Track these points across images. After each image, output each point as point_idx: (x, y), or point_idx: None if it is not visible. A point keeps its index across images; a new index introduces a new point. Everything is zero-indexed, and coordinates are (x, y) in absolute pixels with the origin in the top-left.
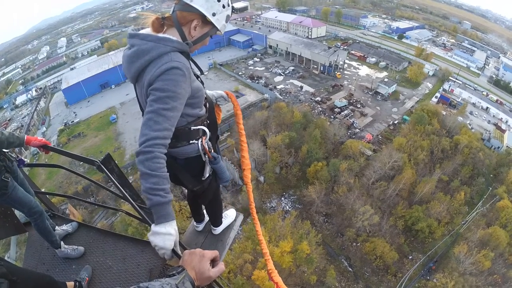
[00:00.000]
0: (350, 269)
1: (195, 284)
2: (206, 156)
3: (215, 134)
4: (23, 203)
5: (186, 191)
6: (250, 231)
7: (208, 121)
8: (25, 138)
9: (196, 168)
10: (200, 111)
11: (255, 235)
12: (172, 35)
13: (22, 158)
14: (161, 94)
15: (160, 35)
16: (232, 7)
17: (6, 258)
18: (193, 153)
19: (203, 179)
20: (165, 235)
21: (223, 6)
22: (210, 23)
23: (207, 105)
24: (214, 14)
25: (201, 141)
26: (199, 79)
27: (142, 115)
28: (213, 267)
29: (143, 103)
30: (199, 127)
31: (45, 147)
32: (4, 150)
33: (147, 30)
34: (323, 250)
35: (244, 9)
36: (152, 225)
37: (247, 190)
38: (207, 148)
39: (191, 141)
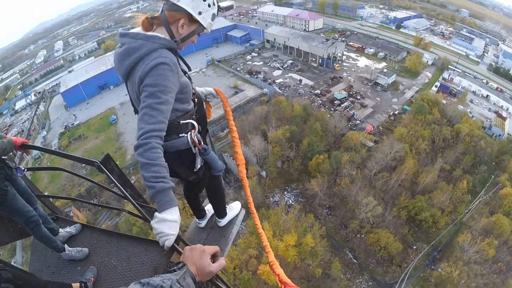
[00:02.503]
0: (355, 260)
1: (196, 279)
2: (196, 148)
3: (205, 127)
4: (21, 212)
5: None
6: (253, 226)
7: (197, 115)
8: (12, 140)
9: (188, 160)
10: (188, 106)
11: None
12: (161, 33)
13: (20, 166)
14: (153, 89)
15: (149, 33)
16: (218, 6)
17: (12, 263)
18: (183, 146)
19: (195, 170)
20: (171, 222)
21: (209, 5)
22: (196, 21)
23: (196, 100)
24: (200, 13)
25: (190, 134)
26: (186, 75)
27: (134, 111)
28: (214, 262)
29: (134, 100)
30: (187, 121)
31: (24, 146)
32: (3, 157)
33: (138, 29)
34: (327, 242)
35: (229, 7)
36: (156, 213)
37: (243, 185)
38: (197, 141)
39: (180, 135)
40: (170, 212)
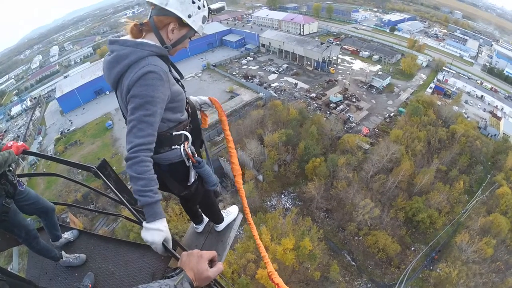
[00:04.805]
0: (353, 263)
1: (193, 284)
2: (190, 161)
3: (199, 139)
4: (21, 226)
5: None
6: (251, 231)
7: (191, 126)
8: (12, 150)
9: (181, 173)
10: (182, 116)
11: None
12: (151, 39)
13: (20, 181)
14: (141, 100)
15: (139, 40)
16: (209, 8)
17: (9, 269)
18: (176, 159)
19: (188, 184)
20: (154, 230)
21: (198, 8)
22: (187, 25)
23: (189, 110)
24: (189, 16)
25: (184, 146)
26: (179, 83)
27: (125, 121)
28: (211, 267)
29: (124, 109)
30: (180, 132)
31: (25, 153)
32: (7, 172)
33: (127, 37)
34: (325, 245)
35: (221, 9)
36: (144, 223)
37: (240, 196)
38: (190, 153)
39: (173, 147)
40: (154, 223)
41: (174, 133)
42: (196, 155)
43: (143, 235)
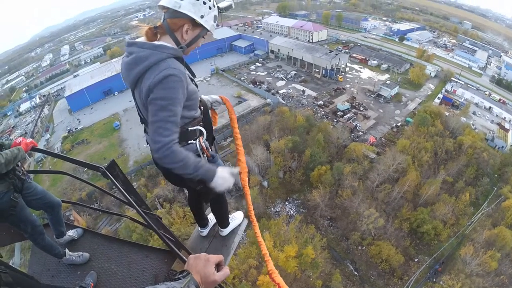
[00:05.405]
0: (356, 273)
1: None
2: (205, 155)
3: (211, 134)
4: (28, 221)
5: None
6: (254, 236)
7: (204, 123)
8: (21, 147)
9: None
10: (195, 113)
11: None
12: (167, 42)
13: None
14: (164, 102)
15: (156, 42)
16: (218, 7)
17: (10, 264)
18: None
19: None
20: (222, 174)
21: (210, 8)
22: (200, 25)
23: (202, 107)
24: (202, 16)
25: (199, 140)
26: (193, 82)
27: (140, 119)
28: (218, 271)
29: (141, 108)
30: (195, 127)
31: (34, 150)
32: (16, 167)
33: (143, 39)
34: (328, 254)
35: (229, 7)
36: (212, 179)
37: (244, 193)
38: (205, 147)
39: (189, 141)
40: (220, 170)
41: (189, 128)
42: (210, 150)
43: (218, 185)
